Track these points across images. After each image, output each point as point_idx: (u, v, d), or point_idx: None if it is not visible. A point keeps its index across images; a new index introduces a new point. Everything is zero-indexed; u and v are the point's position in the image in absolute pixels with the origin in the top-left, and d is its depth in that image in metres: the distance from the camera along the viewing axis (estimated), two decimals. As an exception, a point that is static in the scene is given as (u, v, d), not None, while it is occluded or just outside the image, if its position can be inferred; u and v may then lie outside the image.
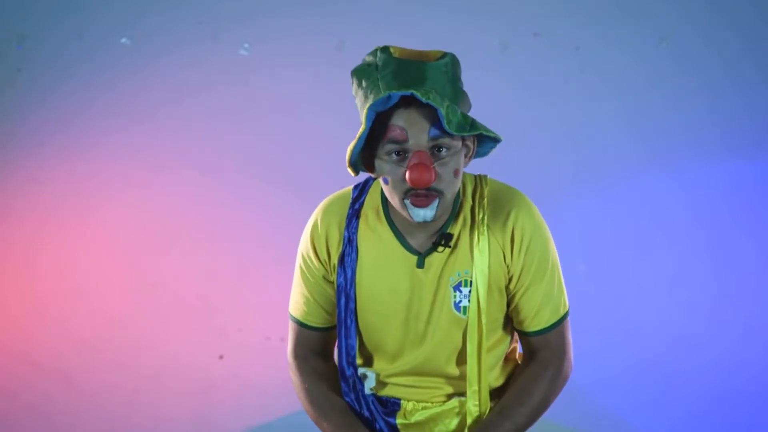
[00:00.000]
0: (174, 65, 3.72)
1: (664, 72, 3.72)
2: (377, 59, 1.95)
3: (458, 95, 1.96)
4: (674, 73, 3.72)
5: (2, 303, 3.74)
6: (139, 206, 3.74)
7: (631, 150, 3.73)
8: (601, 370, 3.71)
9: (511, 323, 2.14)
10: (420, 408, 2.11)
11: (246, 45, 3.73)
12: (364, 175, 2.10)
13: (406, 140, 1.92)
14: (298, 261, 2.15)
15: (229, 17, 3.72)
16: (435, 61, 1.94)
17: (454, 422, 2.12)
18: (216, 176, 3.73)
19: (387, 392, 2.12)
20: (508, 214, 2.06)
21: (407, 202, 1.94)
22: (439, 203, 1.94)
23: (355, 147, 1.93)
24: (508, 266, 2.05)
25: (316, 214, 2.12)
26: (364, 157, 1.99)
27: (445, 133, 1.92)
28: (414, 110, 1.92)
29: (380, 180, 1.98)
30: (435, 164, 1.92)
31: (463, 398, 2.11)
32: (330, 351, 2.19)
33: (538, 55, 3.72)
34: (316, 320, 2.14)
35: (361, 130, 1.92)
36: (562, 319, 2.10)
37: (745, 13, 3.71)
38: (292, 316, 2.17)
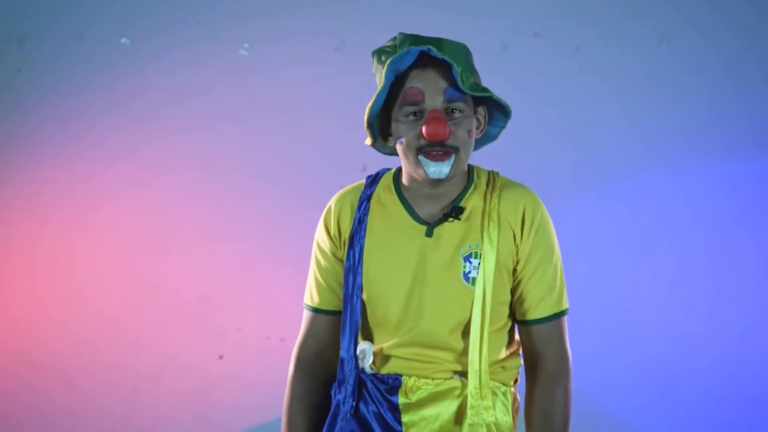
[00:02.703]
0: (174, 65, 3.72)
1: (664, 72, 3.72)
2: (396, 41, 2.07)
3: (471, 66, 2.09)
4: (674, 73, 3.72)
5: (2, 303, 3.74)
6: (139, 206, 3.74)
7: (631, 150, 3.73)
8: (601, 370, 3.71)
9: (514, 317, 2.16)
10: (422, 384, 2.10)
11: (246, 45, 3.73)
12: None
13: (423, 100, 2.02)
14: (314, 250, 2.19)
15: (229, 17, 3.72)
16: (453, 41, 2.08)
17: (454, 405, 2.11)
18: (216, 176, 3.73)
19: (388, 368, 2.12)
20: (519, 198, 2.14)
21: (422, 157, 2.02)
22: (454, 161, 2.03)
23: (373, 106, 2.03)
24: (517, 247, 2.10)
25: (330, 203, 2.19)
26: (381, 125, 2.09)
27: (460, 93, 2.03)
28: (430, 71, 2.03)
29: (396, 143, 2.06)
30: (449, 123, 2.02)
31: (465, 379, 2.11)
32: (331, 337, 2.19)
33: (538, 55, 3.72)
34: (327, 304, 2.17)
35: (379, 88, 2.03)
36: (564, 314, 2.13)
37: (745, 13, 3.71)
38: (305, 305, 2.21)
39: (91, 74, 3.73)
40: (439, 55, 2.01)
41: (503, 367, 2.14)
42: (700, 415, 3.70)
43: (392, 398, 2.10)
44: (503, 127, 2.17)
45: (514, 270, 2.11)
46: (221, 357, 3.74)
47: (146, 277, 3.74)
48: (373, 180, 2.17)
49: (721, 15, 3.70)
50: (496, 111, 2.14)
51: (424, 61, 2.03)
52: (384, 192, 2.15)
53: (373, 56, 2.09)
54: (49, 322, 3.73)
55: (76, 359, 3.73)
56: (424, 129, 1.99)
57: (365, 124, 2.06)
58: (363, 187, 2.16)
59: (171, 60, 3.72)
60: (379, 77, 2.06)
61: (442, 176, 2.03)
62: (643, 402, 3.71)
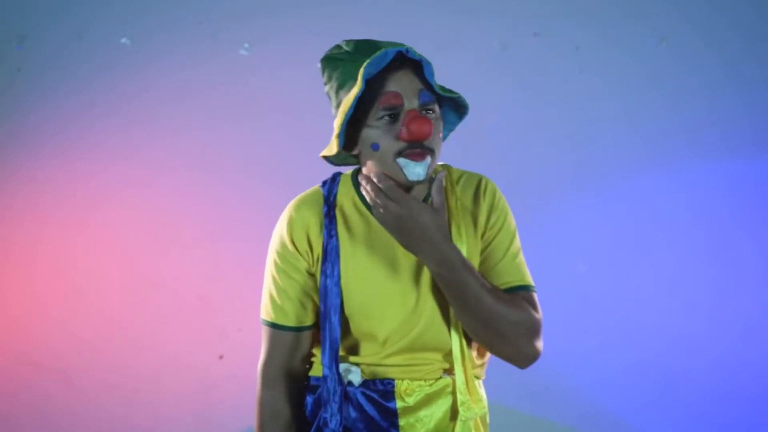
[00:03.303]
0: (174, 65, 3.72)
1: (664, 72, 3.72)
2: (345, 47, 2.04)
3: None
4: (674, 73, 3.72)
5: (2, 303, 3.74)
6: (139, 206, 3.74)
7: (631, 150, 3.73)
8: (601, 370, 3.71)
9: None
10: (415, 387, 2.09)
11: (246, 45, 3.73)
12: (332, 169, 2.15)
13: (401, 104, 1.98)
14: (271, 263, 2.12)
15: (229, 17, 3.72)
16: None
17: (447, 402, 2.11)
18: (216, 176, 3.73)
19: (379, 375, 2.10)
20: (479, 182, 2.12)
21: (401, 160, 1.97)
22: (430, 162, 1.99)
23: (347, 113, 1.98)
24: (482, 232, 2.09)
25: (288, 213, 2.13)
26: (347, 134, 2.04)
27: (433, 94, 2.00)
28: (403, 75, 1.99)
29: (367, 150, 2.01)
30: None
31: (453, 376, 2.11)
32: (305, 354, 2.16)
33: (538, 55, 3.72)
34: (295, 320, 2.12)
35: (355, 90, 1.97)
36: (528, 289, 2.09)
37: (745, 13, 3.71)
38: (269, 322, 2.14)
39: (91, 74, 3.73)
40: (417, 55, 1.98)
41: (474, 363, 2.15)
42: (700, 415, 3.70)
43: (389, 404, 2.09)
44: (452, 129, 2.13)
45: (482, 254, 2.10)
46: (221, 357, 3.75)
47: (146, 277, 3.74)
48: (331, 185, 2.13)
49: (721, 15, 3.71)
50: (448, 113, 2.11)
51: (398, 63, 1.99)
52: (347, 201, 2.11)
53: (323, 65, 2.06)
54: (49, 322, 3.73)
55: (76, 359, 3.73)
56: (406, 129, 1.95)
57: (336, 133, 2.01)
58: (323, 196, 2.11)
59: (171, 60, 3.72)
60: (332, 87, 2.03)
61: (421, 178, 1.98)
62: (643, 402, 3.72)
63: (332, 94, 2.07)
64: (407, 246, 1.97)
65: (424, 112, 1.99)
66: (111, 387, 3.73)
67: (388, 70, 1.99)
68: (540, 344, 2.04)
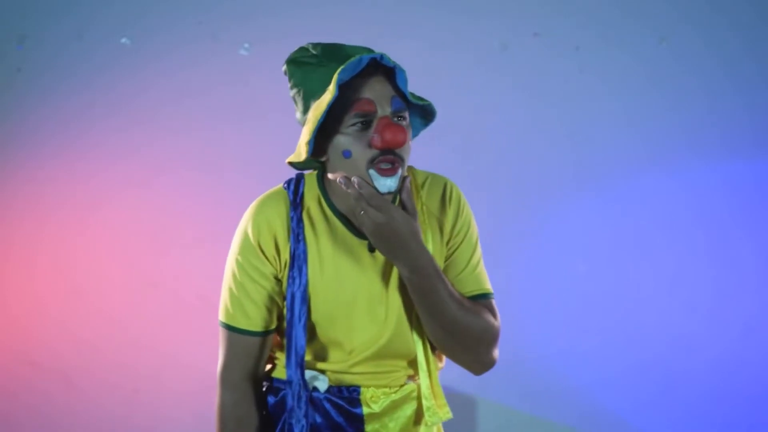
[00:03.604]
0: (174, 65, 3.72)
1: (664, 72, 3.72)
2: (312, 50, 2.03)
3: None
4: (674, 73, 3.72)
5: (2, 303, 3.74)
6: (139, 206, 3.74)
7: (631, 150, 3.73)
8: (601, 370, 3.71)
9: None
10: (380, 394, 2.09)
11: (246, 45, 3.73)
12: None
13: (374, 111, 1.95)
14: (235, 264, 2.09)
15: (229, 17, 3.72)
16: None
17: (412, 407, 2.12)
18: (216, 176, 3.73)
19: (345, 382, 2.10)
20: (444, 186, 2.11)
21: (373, 171, 1.95)
22: (400, 173, 1.97)
23: (320, 120, 1.95)
24: (447, 236, 2.09)
25: (251, 214, 2.11)
26: (315, 141, 2.01)
27: (404, 101, 1.98)
28: (376, 82, 1.97)
29: (338, 157, 1.98)
30: None
31: (417, 382, 2.12)
32: (267, 356, 2.14)
33: (538, 55, 3.72)
34: (260, 325, 2.09)
35: (328, 97, 1.94)
36: (487, 296, 2.10)
37: (745, 13, 3.71)
38: (232, 326, 2.11)
39: (91, 74, 3.73)
40: (391, 62, 1.95)
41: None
42: (700, 415, 3.70)
43: (356, 410, 2.09)
44: (416, 135, 2.12)
45: (445, 261, 2.11)
46: (221, 357, 3.74)
47: (146, 277, 3.74)
48: (296, 186, 2.10)
49: (721, 15, 3.71)
50: (414, 118, 2.09)
51: (371, 69, 1.96)
52: (314, 204, 2.08)
53: (289, 68, 2.04)
54: (49, 322, 3.73)
55: (76, 359, 3.73)
56: (380, 137, 1.93)
57: (306, 140, 1.98)
58: (289, 199, 2.08)
59: (171, 60, 3.72)
60: (299, 92, 2.01)
61: (392, 190, 1.96)
62: (643, 402, 3.71)
63: (299, 99, 2.04)
64: (385, 252, 1.97)
65: (396, 119, 1.97)
66: (111, 387, 3.73)
67: (361, 76, 1.96)
68: (497, 353, 2.08)
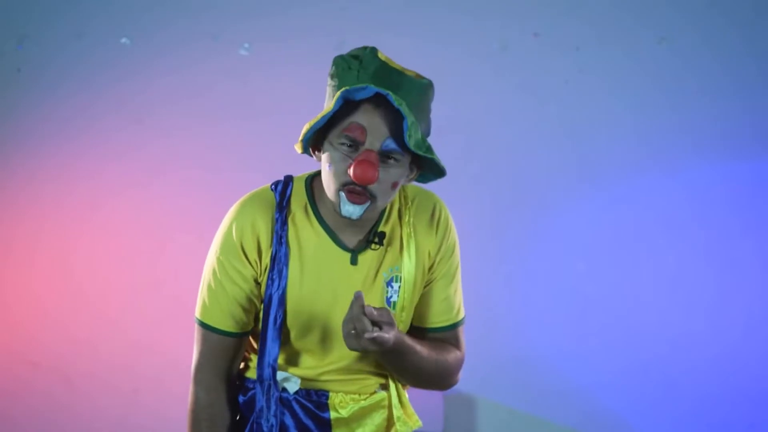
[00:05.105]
0: (174, 65, 3.72)
1: (664, 72, 3.72)
2: (363, 54, 1.99)
3: (424, 117, 1.99)
4: (674, 73, 3.72)
5: (2, 303, 3.74)
6: (138, 206, 3.74)
7: (631, 150, 3.73)
8: (601, 370, 3.71)
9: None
10: (349, 400, 2.10)
11: (246, 45, 3.73)
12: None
13: (363, 142, 1.94)
14: (215, 263, 2.08)
15: (229, 17, 3.72)
16: (416, 78, 1.98)
17: (382, 415, 2.13)
18: (216, 176, 3.72)
19: (316, 387, 2.11)
20: (434, 208, 2.12)
21: (342, 193, 1.96)
22: (368, 207, 1.96)
23: (314, 125, 1.95)
24: (434, 258, 2.10)
25: (236, 214, 2.09)
26: (315, 137, 2.01)
27: (400, 147, 1.95)
28: (379, 114, 1.95)
29: (324, 164, 1.99)
30: (380, 167, 1.95)
31: (388, 391, 2.14)
32: (239, 358, 2.13)
33: (538, 55, 3.72)
34: (239, 326, 2.08)
35: (326, 110, 1.95)
36: (460, 323, 2.16)
37: (745, 13, 3.71)
38: (210, 326, 2.09)
39: (90, 74, 3.72)
40: (395, 104, 1.91)
41: None
42: (700, 415, 3.70)
43: (323, 414, 2.10)
44: (434, 179, 2.09)
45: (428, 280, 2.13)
46: (221, 357, 3.74)
47: (146, 277, 3.74)
48: (284, 190, 2.08)
49: (721, 15, 3.70)
50: (429, 168, 2.05)
51: (377, 100, 1.94)
52: (300, 212, 2.07)
53: (334, 62, 2.02)
54: (49, 322, 3.73)
55: (76, 359, 3.73)
56: (351, 169, 1.92)
57: (301, 137, 1.98)
58: (275, 202, 2.06)
59: (171, 60, 3.72)
60: (330, 89, 1.99)
61: (354, 218, 1.96)
62: (643, 402, 3.71)
63: (329, 90, 2.02)
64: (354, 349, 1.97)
65: (384, 157, 1.95)
66: (111, 387, 3.73)
67: (371, 102, 1.95)
68: (459, 376, 2.15)
